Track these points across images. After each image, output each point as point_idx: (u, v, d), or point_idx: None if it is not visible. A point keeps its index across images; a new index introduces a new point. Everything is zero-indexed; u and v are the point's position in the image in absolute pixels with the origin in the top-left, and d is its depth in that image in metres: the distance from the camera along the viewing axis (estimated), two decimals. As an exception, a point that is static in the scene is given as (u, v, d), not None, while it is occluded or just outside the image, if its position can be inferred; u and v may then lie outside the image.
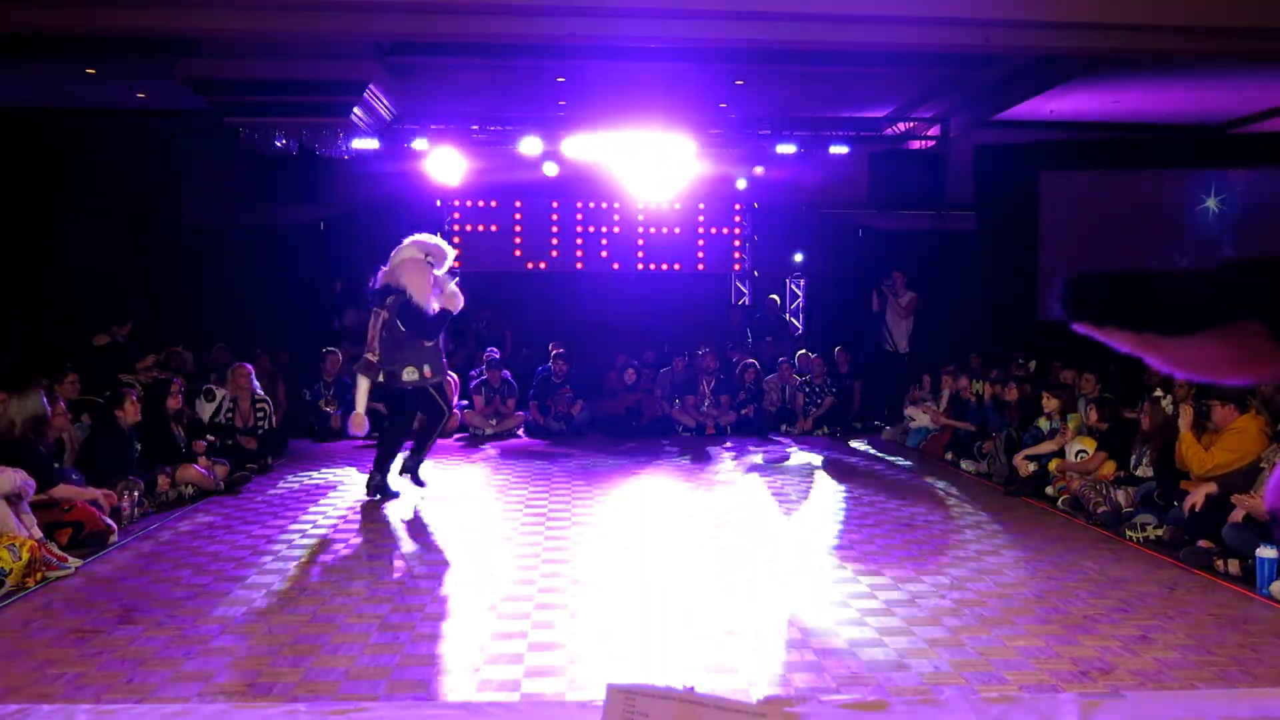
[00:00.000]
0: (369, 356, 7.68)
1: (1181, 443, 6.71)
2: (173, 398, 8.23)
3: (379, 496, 7.85)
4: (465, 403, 11.89)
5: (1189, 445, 6.64)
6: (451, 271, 15.23)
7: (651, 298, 14.37)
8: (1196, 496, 6.20)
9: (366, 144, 11.85)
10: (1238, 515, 5.82)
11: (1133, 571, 5.89)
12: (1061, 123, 12.79)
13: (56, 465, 6.61)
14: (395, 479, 7.99)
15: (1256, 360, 1.37)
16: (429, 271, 7.61)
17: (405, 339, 7.57)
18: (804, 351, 12.86)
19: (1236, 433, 6.49)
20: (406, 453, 8.06)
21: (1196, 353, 1.39)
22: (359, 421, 7.73)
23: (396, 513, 7.54)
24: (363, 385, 7.75)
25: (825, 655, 4.48)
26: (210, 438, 8.66)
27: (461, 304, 7.93)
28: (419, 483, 8.01)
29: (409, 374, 7.59)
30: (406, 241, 7.88)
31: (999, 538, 6.75)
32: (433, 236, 8.09)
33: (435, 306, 7.66)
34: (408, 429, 8.07)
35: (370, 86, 10.23)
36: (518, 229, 14.81)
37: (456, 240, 14.79)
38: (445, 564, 6.10)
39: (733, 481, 8.93)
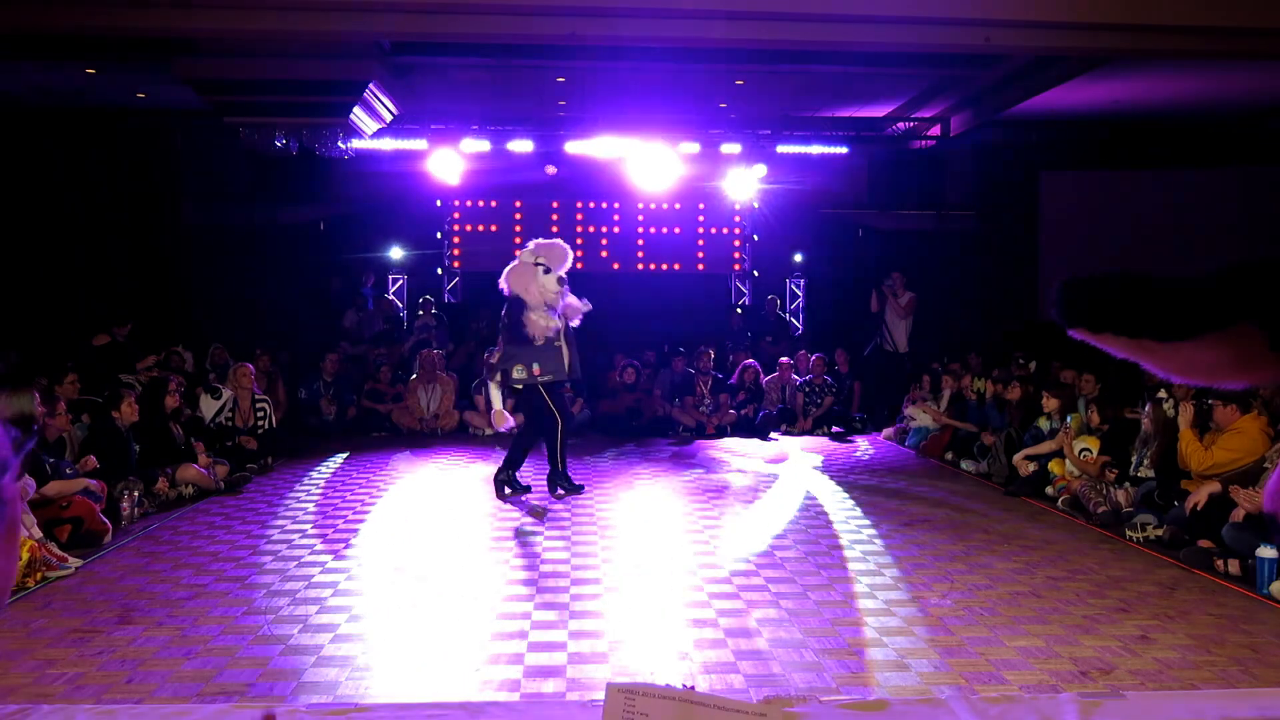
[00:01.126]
0: (491, 359, 7.96)
1: (1182, 439, 6.70)
2: (170, 396, 8.23)
3: (508, 492, 7.97)
4: (465, 403, 11.90)
5: (1189, 442, 6.63)
6: (451, 272, 15.30)
7: (651, 298, 14.38)
8: (1199, 495, 6.17)
9: (366, 143, 11.85)
10: (1238, 515, 5.81)
11: (1133, 571, 5.89)
12: (1063, 122, 12.79)
13: (51, 460, 6.59)
14: (530, 494, 8.06)
15: (1252, 366, 1.37)
16: (536, 274, 7.71)
17: (516, 338, 7.71)
18: (804, 352, 12.87)
19: (1237, 432, 6.49)
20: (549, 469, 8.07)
21: (1192, 358, 1.39)
22: (499, 418, 7.95)
23: (397, 513, 7.54)
24: (492, 390, 8.01)
25: (825, 655, 4.48)
26: (227, 443, 8.76)
27: (579, 316, 7.96)
28: (575, 489, 8.00)
29: (518, 372, 7.72)
30: (529, 245, 7.95)
31: (999, 538, 6.75)
32: (551, 240, 8.08)
33: (543, 307, 7.72)
34: (536, 430, 8.08)
35: (370, 86, 10.23)
36: (518, 229, 14.81)
37: (456, 240, 14.84)
38: (446, 564, 6.10)
39: (732, 482, 8.93)
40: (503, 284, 7.85)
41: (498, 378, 7.85)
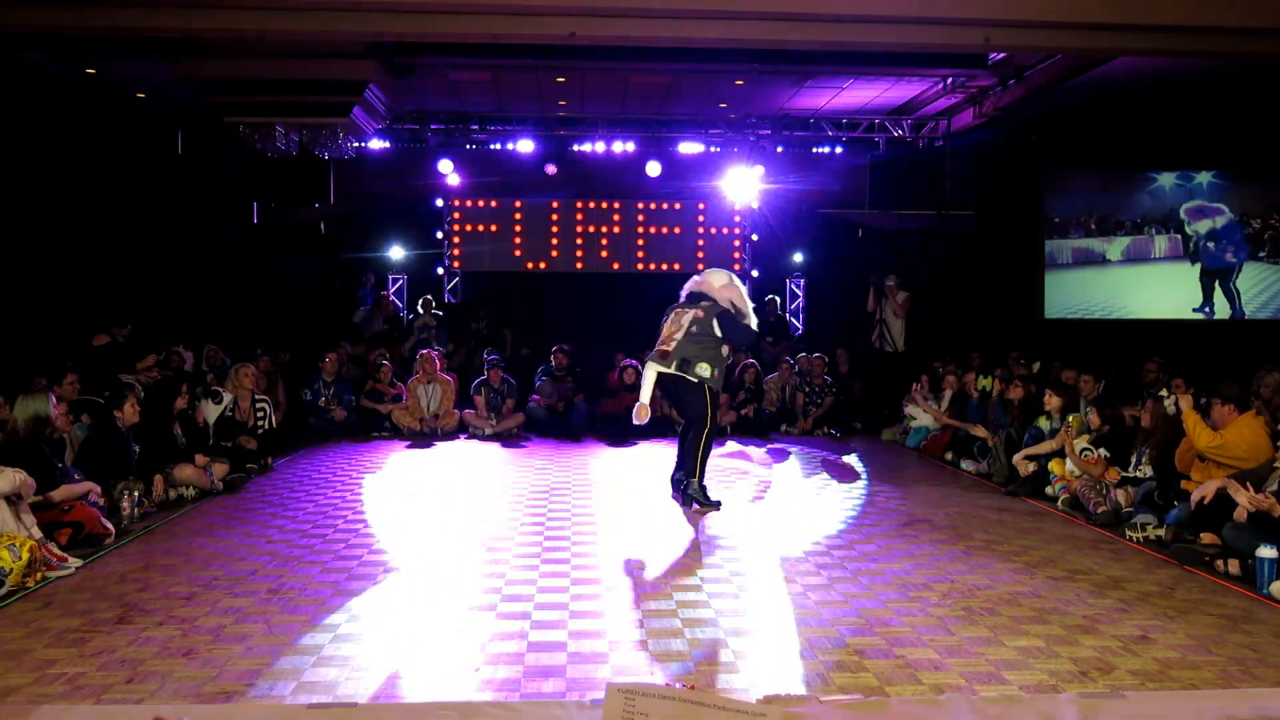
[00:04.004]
0: (664, 347, 7.80)
1: (1187, 420, 6.65)
2: (181, 397, 8.22)
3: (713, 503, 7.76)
4: (465, 403, 11.89)
5: (1195, 423, 6.58)
6: (451, 272, 15.30)
7: (651, 298, 14.37)
8: (1207, 489, 6.12)
9: (367, 143, 11.86)
10: (1240, 515, 5.80)
11: (1133, 571, 5.89)
12: (1064, 121, 12.79)
13: (60, 465, 6.60)
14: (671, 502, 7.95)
15: None
16: (743, 289, 7.92)
17: (710, 340, 7.69)
18: (804, 352, 12.87)
19: (1238, 427, 6.48)
20: (680, 474, 7.92)
21: None
22: (643, 412, 7.81)
23: (396, 514, 7.54)
24: (649, 375, 7.86)
25: (825, 655, 4.48)
26: (226, 443, 8.73)
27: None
28: (710, 505, 7.67)
29: (702, 369, 7.67)
30: (711, 270, 8.06)
31: (999, 538, 6.75)
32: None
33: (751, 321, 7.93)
34: (694, 426, 7.95)
35: (370, 86, 10.25)
36: (518, 229, 14.82)
37: (456, 240, 14.84)
38: (445, 564, 6.10)
39: (732, 482, 8.93)
40: (711, 290, 7.82)
41: (672, 366, 7.67)
